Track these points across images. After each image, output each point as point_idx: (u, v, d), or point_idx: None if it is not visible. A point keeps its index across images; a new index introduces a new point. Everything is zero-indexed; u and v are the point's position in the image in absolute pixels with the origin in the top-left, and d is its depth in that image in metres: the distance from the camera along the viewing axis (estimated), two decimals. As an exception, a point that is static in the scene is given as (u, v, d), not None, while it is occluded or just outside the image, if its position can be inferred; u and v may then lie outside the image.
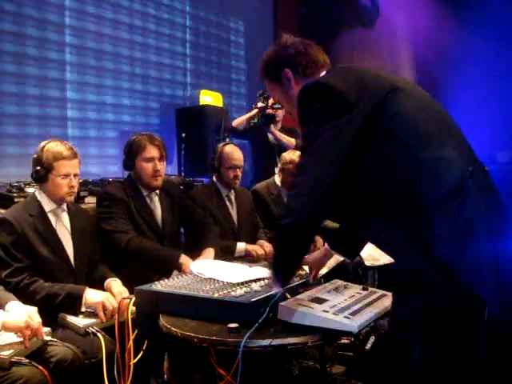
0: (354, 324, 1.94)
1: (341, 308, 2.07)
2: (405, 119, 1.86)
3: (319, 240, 4.35)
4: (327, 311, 2.00)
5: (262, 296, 2.14)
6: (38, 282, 2.75)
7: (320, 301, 2.12)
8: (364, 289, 2.37)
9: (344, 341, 3.75)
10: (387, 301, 2.25)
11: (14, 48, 4.88)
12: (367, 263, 4.35)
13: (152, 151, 3.35)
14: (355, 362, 3.05)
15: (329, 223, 3.82)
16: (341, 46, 7.11)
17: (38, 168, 2.86)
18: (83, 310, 2.73)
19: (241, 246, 3.87)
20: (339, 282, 2.44)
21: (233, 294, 2.18)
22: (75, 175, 2.92)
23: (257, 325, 1.95)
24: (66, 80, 5.37)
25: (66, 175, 2.87)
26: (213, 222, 3.65)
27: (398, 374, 1.88)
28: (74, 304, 2.73)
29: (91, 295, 2.73)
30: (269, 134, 5.44)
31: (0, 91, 4.78)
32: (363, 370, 2.85)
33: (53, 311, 2.69)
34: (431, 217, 1.73)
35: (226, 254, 3.59)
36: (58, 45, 5.28)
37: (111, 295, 2.77)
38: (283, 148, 5.22)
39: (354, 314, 2.03)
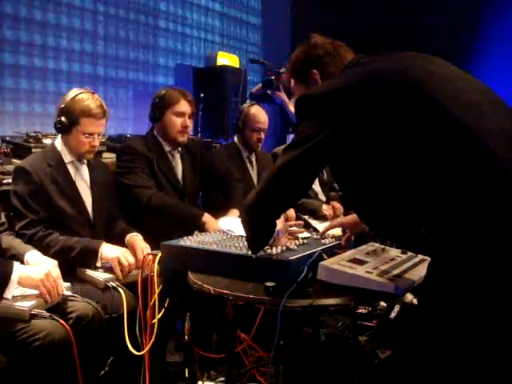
0: (400, 286, 1.83)
1: (383, 270, 1.96)
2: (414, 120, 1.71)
3: (339, 207, 4.26)
4: (370, 272, 1.90)
5: (300, 255, 2.03)
6: (53, 235, 2.65)
7: (360, 262, 2.01)
8: (403, 252, 2.25)
9: (362, 310, 3.68)
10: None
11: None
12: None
13: (184, 106, 3.24)
14: (379, 332, 2.96)
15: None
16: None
17: (63, 119, 2.71)
18: (98, 265, 2.64)
19: None
20: (376, 245, 2.33)
21: (268, 251, 2.06)
22: (99, 135, 2.79)
23: (296, 284, 1.84)
24: (85, 29, 5.22)
25: (91, 134, 2.74)
26: (236, 181, 3.53)
27: (428, 340, 1.78)
28: (89, 258, 2.64)
29: (107, 250, 2.63)
30: None
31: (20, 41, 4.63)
32: (389, 338, 2.76)
33: (70, 265, 2.59)
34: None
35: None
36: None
37: (128, 251, 2.67)
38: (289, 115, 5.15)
39: (397, 276, 1.92)
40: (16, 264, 2.20)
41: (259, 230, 1.98)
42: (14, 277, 2.14)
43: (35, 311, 2.14)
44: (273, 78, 5.12)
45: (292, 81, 2.16)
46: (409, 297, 3.36)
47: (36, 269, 2.25)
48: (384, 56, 1.93)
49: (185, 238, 2.30)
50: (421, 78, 1.74)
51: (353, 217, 2.40)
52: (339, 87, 1.83)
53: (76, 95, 2.72)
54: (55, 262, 2.35)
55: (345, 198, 1.93)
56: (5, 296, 2.13)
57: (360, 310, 3.65)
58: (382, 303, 3.48)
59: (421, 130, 1.67)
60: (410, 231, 1.80)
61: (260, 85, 5.57)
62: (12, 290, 2.15)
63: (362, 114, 1.74)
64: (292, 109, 5.25)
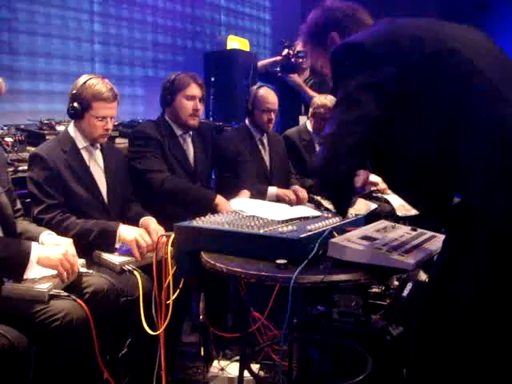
0: (409, 261, 1.85)
1: (393, 246, 1.98)
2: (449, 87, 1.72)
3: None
4: (380, 248, 1.92)
5: (311, 233, 2.06)
6: (71, 219, 2.69)
7: (370, 239, 2.03)
8: (413, 229, 2.28)
9: (375, 290, 3.71)
10: (438, 241, 2.16)
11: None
12: (399, 213, 4.30)
13: (195, 90, 3.29)
14: (391, 309, 2.99)
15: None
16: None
17: (75, 104, 2.76)
18: (117, 246, 2.68)
19: (272, 190, 3.78)
20: (386, 222, 2.35)
21: (279, 230, 2.09)
22: (112, 118, 2.83)
23: (307, 260, 1.87)
24: (94, 11, 5.22)
25: (103, 117, 2.78)
26: (248, 162, 3.56)
27: (441, 317, 1.80)
28: (107, 240, 2.67)
29: (125, 231, 2.67)
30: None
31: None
32: (401, 316, 2.79)
33: (86, 248, 2.63)
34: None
35: (256, 198, 3.52)
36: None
37: (145, 232, 2.71)
38: (305, 98, 5.15)
39: (407, 252, 1.94)
40: (34, 244, 2.25)
41: (339, 189, 1.89)
42: (33, 257, 2.19)
43: (53, 292, 2.18)
44: (292, 59, 5.15)
45: (308, 46, 2.12)
46: (422, 275, 3.39)
47: (54, 249, 2.29)
48: (415, 20, 1.91)
49: (197, 218, 2.33)
50: (460, 45, 1.75)
51: None
52: (385, 37, 1.81)
53: (86, 80, 2.77)
54: (70, 241, 2.40)
55: (375, 163, 1.88)
56: (25, 276, 2.18)
57: (373, 290, 3.68)
58: (396, 282, 3.52)
59: (462, 94, 1.69)
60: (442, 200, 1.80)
61: (266, 61, 5.61)
62: (32, 270, 2.19)
63: (405, 69, 1.73)
64: (308, 90, 5.26)
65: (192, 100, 3.27)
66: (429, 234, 2.26)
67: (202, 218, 2.36)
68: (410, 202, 2.13)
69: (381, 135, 1.79)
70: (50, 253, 2.26)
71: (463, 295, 1.69)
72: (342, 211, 2.03)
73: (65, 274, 2.23)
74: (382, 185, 4.49)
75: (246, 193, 3.22)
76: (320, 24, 2.05)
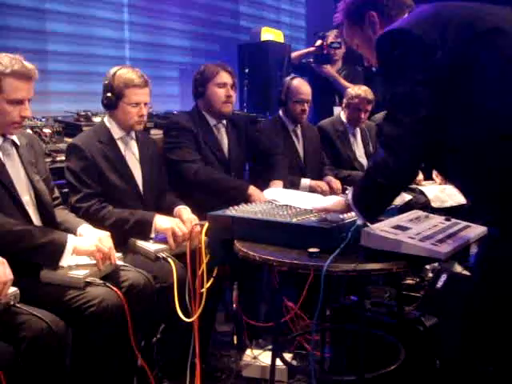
0: (442, 250, 1.84)
1: (426, 235, 1.97)
2: (501, 68, 1.68)
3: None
4: (413, 238, 1.91)
5: (343, 222, 2.06)
6: (108, 208, 2.74)
7: (403, 228, 2.03)
8: (447, 219, 2.26)
9: (409, 281, 3.69)
10: (472, 231, 2.14)
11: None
12: (434, 205, 4.27)
13: (225, 77, 3.31)
14: (425, 300, 2.97)
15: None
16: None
17: (109, 94, 2.81)
18: (153, 235, 2.72)
19: (305, 181, 3.80)
20: (420, 212, 2.34)
21: (312, 219, 2.10)
22: (145, 104, 2.87)
23: (339, 249, 1.88)
24: (124, 21, 5.27)
25: (137, 103, 2.82)
26: (281, 154, 3.56)
27: (477, 308, 1.79)
28: (143, 230, 2.72)
29: (161, 221, 2.70)
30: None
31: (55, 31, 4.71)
32: (435, 307, 2.78)
33: (122, 237, 2.68)
34: None
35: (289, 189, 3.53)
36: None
37: (181, 222, 2.74)
38: (338, 89, 5.14)
39: (440, 241, 1.93)
40: (70, 235, 2.32)
41: (389, 195, 1.90)
42: (69, 246, 2.25)
43: (89, 279, 2.23)
44: (325, 51, 5.14)
45: (345, 24, 2.07)
46: (457, 268, 3.36)
47: (89, 238, 2.37)
48: (461, 2, 1.88)
49: (230, 208, 2.35)
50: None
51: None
52: (433, 21, 1.76)
53: (116, 71, 2.83)
54: (108, 233, 2.45)
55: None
56: (60, 264, 2.24)
57: (407, 281, 3.67)
58: (430, 274, 3.49)
59: None
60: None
61: (300, 52, 5.60)
62: (67, 259, 2.25)
63: (456, 55, 1.69)
64: (342, 81, 5.23)
65: (223, 87, 3.29)
66: (463, 223, 2.24)
67: (236, 207, 2.37)
68: (465, 191, 2.03)
69: (438, 129, 1.75)
70: (85, 241, 2.33)
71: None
72: (373, 217, 2.00)
73: (100, 259, 2.28)
74: (418, 176, 4.47)
75: (278, 183, 3.23)
76: (358, 2, 2.00)
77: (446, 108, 1.72)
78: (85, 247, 2.29)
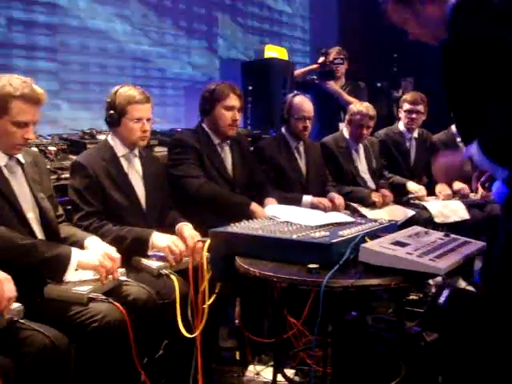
0: (440, 266, 1.86)
1: (425, 251, 1.99)
2: None
3: (389, 195, 4.29)
4: (411, 253, 1.94)
5: (342, 238, 2.09)
6: (107, 226, 2.77)
7: (402, 244, 2.05)
8: (446, 235, 2.28)
9: (413, 297, 3.70)
10: (472, 247, 2.17)
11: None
12: (437, 220, 4.28)
13: (234, 100, 3.35)
14: (428, 316, 2.98)
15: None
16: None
17: (112, 112, 2.87)
18: (150, 253, 2.74)
19: (306, 198, 3.80)
20: (419, 228, 2.36)
21: (312, 235, 2.13)
22: (148, 119, 2.92)
23: (338, 265, 1.90)
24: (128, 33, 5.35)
25: (139, 119, 2.87)
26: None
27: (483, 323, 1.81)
28: (141, 247, 2.74)
29: (157, 239, 2.72)
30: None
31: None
32: (437, 323, 2.79)
33: (124, 254, 2.70)
34: None
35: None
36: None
37: (178, 239, 2.76)
38: (343, 104, 5.17)
39: (438, 257, 1.96)
40: (74, 249, 2.35)
41: None
42: (74, 260, 2.28)
43: (92, 295, 2.26)
44: (330, 66, 5.19)
45: (389, 2, 2.00)
46: (462, 283, 3.38)
47: (94, 251, 2.39)
48: None
49: (232, 224, 2.38)
50: None
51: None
52: None
53: (118, 89, 2.90)
54: (114, 248, 2.48)
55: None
56: (64, 279, 2.27)
57: (411, 297, 3.68)
58: (434, 290, 3.50)
59: None
60: None
61: (303, 69, 5.65)
62: (71, 273, 2.28)
63: None
64: (346, 96, 5.27)
65: (231, 110, 3.33)
66: (462, 239, 2.26)
67: (237, 223, 2.40)
68: None
69: None
70: (90, 255, 2.36)
71: None
72: None
73: (104, 274, 2.30)
74: (421, 192, 4.50)
75: (272, 200, 3.27)
76: None
77: None
78: (88, 261, 2.32)
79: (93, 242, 2.52)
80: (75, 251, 2.33)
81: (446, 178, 2.23)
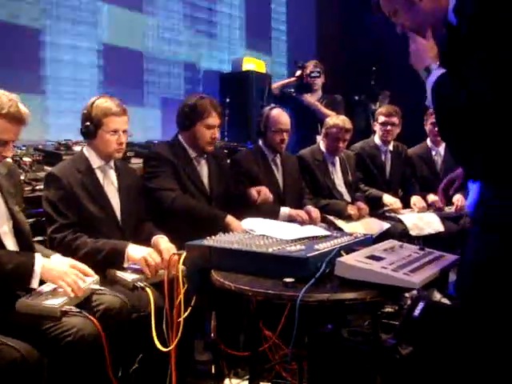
0: (414, 280, 1.88)
1: (400, 265, 2.01)
2: None
3: (365, 208, 4.31)
4: (386, 268, 1.95)
5: (318, 252, 2.09)
6: (82, 238, 2.74)
7: (377, 258, 2.06)
8: (421, 249, 2.30)
9: (388, 309, 3.71)
10: (446, 260, 2.19)
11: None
12: (412, 233, 4.31)
13: (215, 119, 3.36)
14: (402, 328, 2.99)
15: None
16: None
17: (88, 124, 2.85)
18: (126, 265, 2.72)
19: (284, 210, 3.81)
20: (395, 242, 2.38)
21: (288, 249, 2.13)
22: (124, 131, 2.91)
23: (314, 279, 1.91)
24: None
25: (115, 131, 2.86)
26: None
27: (455, 337, 1.82)
28: (116, 259, 2.71)
29: (133, 251, 2.70)
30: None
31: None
32: (412, 335, 2.80)
33: (97, 266, 2.68)
34: None
35: (268, 218, 3.55)
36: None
37: (154, 251, 2.74)
38: (320, 117, 5.20)
39: (413, 271, 1.97)
40: (38, 255, 2.30)
41: None
42: (37, 267, 2.24)
43: (65, 308, 2.22)
44: (307, 80, 5.22)
45: None
46: (437, 295, 3.39)
47: (59, 262, 2.37)
48: None
49: (208, 237, 2.37)
50: None
51: None
52: None
53: (95, 100, 2.88)
54: (78, 262, 2.44)
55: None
56: (31, 286, 2.24)
57: (387, 310, 3.69)
58: (409, 302, 3.52)
59: None
60: None
61: (280, 83, 5.68)
62: (37, 280, 2.25)
63: None
64: (323, 109, 5.30)
65: (211, 129, 3.33)
66: (437, 253, 2.28)
67: (213, 236, 2.40)
68: None
69: None
70: (54, 264, 2.33)
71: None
72: None
73: (68, 288, 2.25)
74: (396, 204, 4.54)
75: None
76: None
77: None
78: (52, 272, 2.27)
79: (57, 257, 2.49)
80: (39, 258, 2.29)
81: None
